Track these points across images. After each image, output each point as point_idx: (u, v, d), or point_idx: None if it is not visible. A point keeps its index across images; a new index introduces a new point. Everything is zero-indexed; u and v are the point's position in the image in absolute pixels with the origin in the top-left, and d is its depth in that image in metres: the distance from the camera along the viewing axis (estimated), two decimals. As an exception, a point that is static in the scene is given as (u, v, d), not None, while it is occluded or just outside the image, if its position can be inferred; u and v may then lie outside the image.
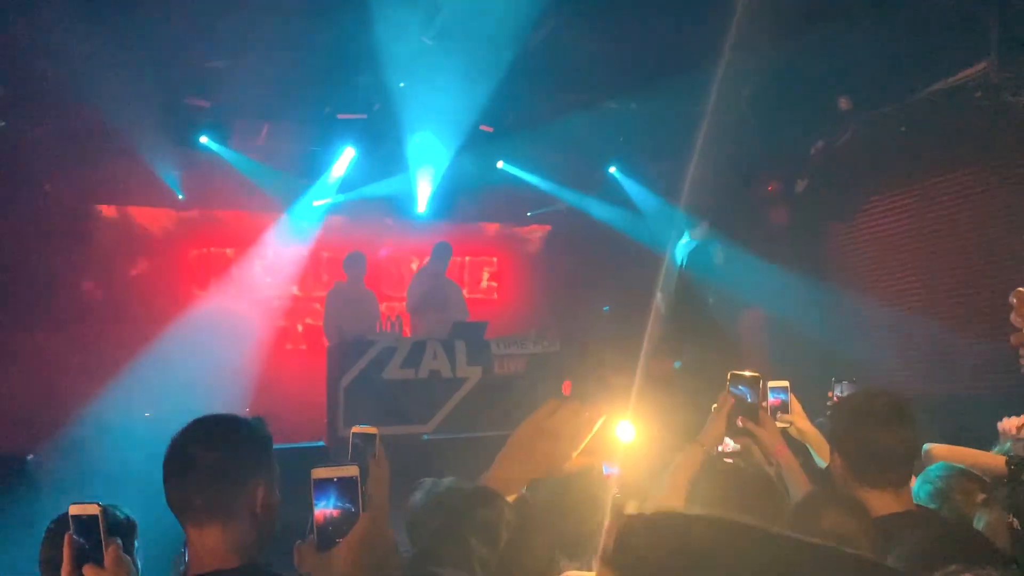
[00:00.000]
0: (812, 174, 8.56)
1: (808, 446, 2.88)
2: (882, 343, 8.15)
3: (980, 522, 2.43)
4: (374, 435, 1.97)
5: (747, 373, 2.65)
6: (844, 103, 7.34)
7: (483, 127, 7.84)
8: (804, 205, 8.83)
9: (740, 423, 2.60)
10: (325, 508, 1.55)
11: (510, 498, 1.43)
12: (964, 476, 2.65)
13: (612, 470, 2.35)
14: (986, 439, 3.22)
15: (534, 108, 7.96)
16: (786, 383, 2.95)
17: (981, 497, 2.53)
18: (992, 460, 2.93)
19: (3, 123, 7.21)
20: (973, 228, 7.44)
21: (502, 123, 8.09)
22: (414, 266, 10.66)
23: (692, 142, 9.03)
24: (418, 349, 7.54)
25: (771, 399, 2.92)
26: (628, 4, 5.99)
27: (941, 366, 7.71)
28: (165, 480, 1.83)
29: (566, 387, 8.77)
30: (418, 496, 2.54)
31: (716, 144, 8.99)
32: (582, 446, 1.49)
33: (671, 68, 7.24)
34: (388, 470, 1.85)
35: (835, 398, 3.41)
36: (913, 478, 2.55)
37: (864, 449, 2.30)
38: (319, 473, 1.57)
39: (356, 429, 1.98)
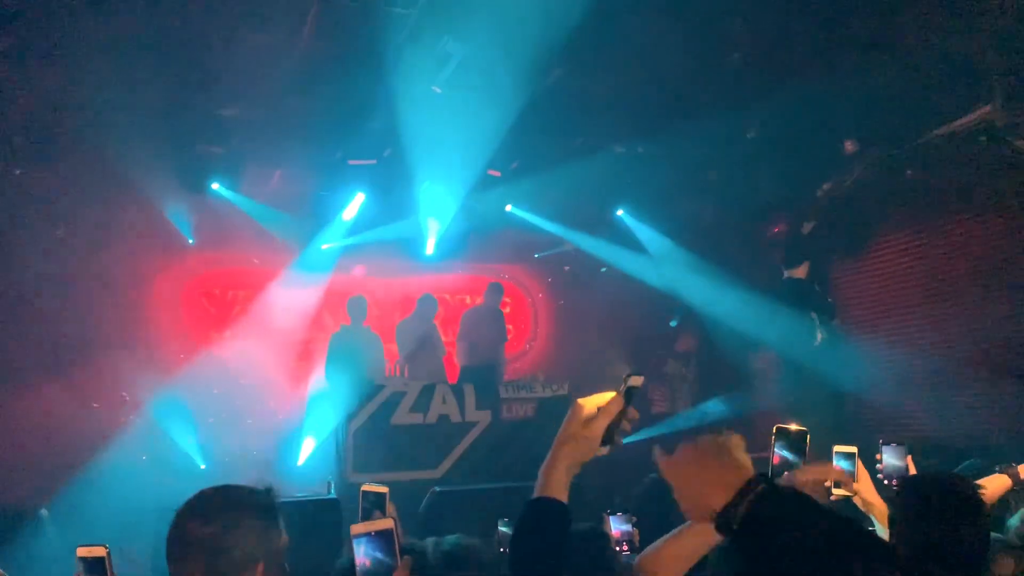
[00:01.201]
0: (819, 215, 8.58)
1: (873, 518, 2.68)
2: (889, 383, 8.10)
3: None
4: (384, 494, 2.02)
5: (793, 427, 2.35)
6: (850, 146, 7.38)
7: (491, 171, 7.92)
8: (811, 246, 8.83)
9: (788, 479, 2.28)
10: (364, 558, 1.71)
11: None
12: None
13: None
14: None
15: (542, 153, 8.03)
16: (854, 449, 2.73)
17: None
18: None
19: (20, 170, 7.32)
20: (977, 271, 7.43)
21: (510, 167, 8.16)
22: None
23: (699, 185, 9.13)
24: (427, 393, 7.52)
25: (835, 465, 2.69)
26: (633, 49, 6.07)
27: (946, 406, 7.64)
28: (167, 557, 1.82)
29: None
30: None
31: (723, 186, 9.09)
32: None
33: (677, 112, 7.32)
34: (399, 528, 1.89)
35: (881, 462, 3.01)
36: None
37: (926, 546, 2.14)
38: (357, 529, 1.74)
39: (366, 487, 2.01)
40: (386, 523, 1.73)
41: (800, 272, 8.14)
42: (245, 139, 7.75)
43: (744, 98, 7.09)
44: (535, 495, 1.64)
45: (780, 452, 2.28)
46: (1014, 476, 2.94)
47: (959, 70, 6.34)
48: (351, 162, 7.98)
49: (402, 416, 7.38)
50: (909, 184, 7.62)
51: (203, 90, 6.76)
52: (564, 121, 7.47)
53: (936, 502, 2.17)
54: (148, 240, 8.84)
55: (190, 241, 8.99)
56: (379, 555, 1.70)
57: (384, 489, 2.08)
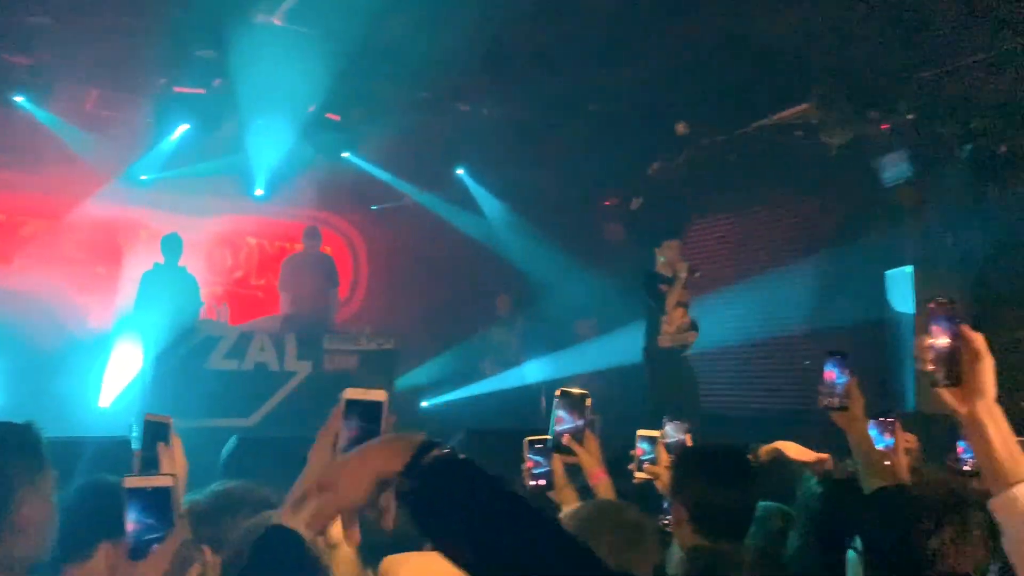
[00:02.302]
0: (648, 193, 8.94)
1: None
2: (703, 360, 8.65)
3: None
4: (167, 424, 1.85)
5: (575, 391, 2.55)
6: (681, 128, 7.71)
7: (329, 115, 7.65)
8: (639, 222, 9.21)
9: (565, 441, 2.50)
10: (137, 519, 1.49)
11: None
12: None
13: None
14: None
15: (385, 102, 7.84)
16: (657, 433, 2.88)
17: None
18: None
19: None
20: (786, 254, 8.06)
21: (350, 113, 7.90)
22: (252, 241, 10.39)
23: (540, 152, 9.26)
24: (244, 339, 7.24)
25: (638, 447, 2.84)
26: (482, 10, 6.01)
27: (752, 381, 8.28)
28: None
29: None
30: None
31: (563, 156, 9.27)
32: None
33: (522, 78, 7.35)
34: (185, 464, 1.76)
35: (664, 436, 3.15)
36: None
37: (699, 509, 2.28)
38: (132, 483, 1.51)
39: (150, 416, 1.85)
40: (165, 480, 1.54)
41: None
42: (57, 53, 7.03)
43: (587, 71, 7.23)
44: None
45: (560, 412, 2.47)
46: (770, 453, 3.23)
47: (785, 67, 6.76)
48: (176, 89, 7.44)
49: (216, 361, 7.07)
50: (731, 169, 8.08)
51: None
52: (410, 73, 7.31)
53: (707, 470, 2.34)
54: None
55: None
56: (150, 519, 1.49)
57: (167, 419, 1.89)
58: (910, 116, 6.68)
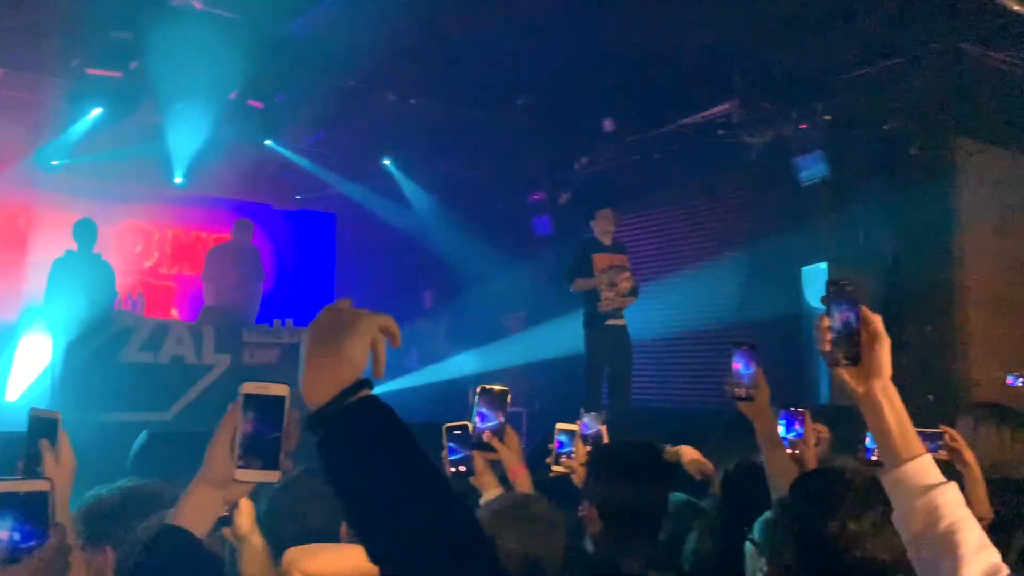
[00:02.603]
0: (575, 188, 9.01)
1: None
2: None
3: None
4: (56, 419, 1.74)
5: (495, 388, 2.56)
6: (608, 124, 7.79)
7: (252, 102, 7.44)
8: (566, 217, 9.27)
9: (486, 438, 2.51)
10: (10, 527, 1.35)
11: None
12: None
13: None
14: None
15: (309, 90, 7.68)
16: (575, 427, 2.90)
17: None
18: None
19: None
20: (708, 249, 8.25)
21: (273, 101, 7.71)
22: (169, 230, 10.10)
23: (468, 145, 9.23)
24: (161, 331, 7.02)
25: (556, 440, 2.86)
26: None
27: (675, 376, 8.43)
28: None
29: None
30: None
31: (491, 149, 9.26)
32: None
33: (452, 70, 7.31)
34: (73, 462, 1.67)
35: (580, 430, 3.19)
36: None
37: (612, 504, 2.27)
38: (3, 487, 1.37)
39: (35, 411, 1.75)
40: (40, 484, 1.39)
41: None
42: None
43: (516, 65, 7.23)
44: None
45: (481, 409, 2.50)
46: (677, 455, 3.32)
47: (709, 66, 6.90)
48: (90, 71, 7.14)
49: (131, 354, 6.83)
50: (655, 166, 8.21)
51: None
52: (336, 61, 7.17)
53: (616, 468, 2.36)
54: None
55: None
56: (24, 526, 1.35)
57: (56, 414, 1.78)
58: (827, 117, 6.89)
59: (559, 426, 2.88)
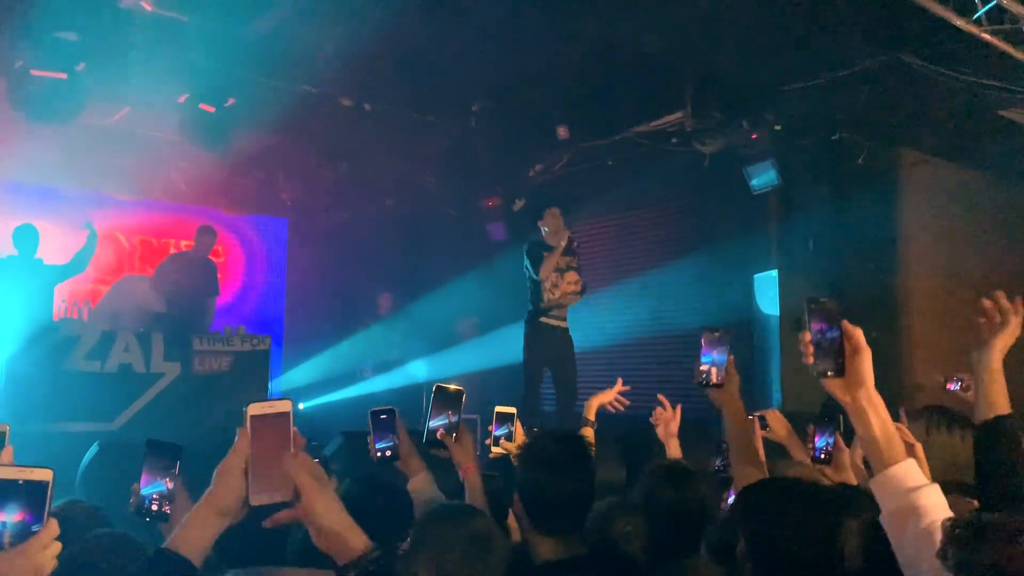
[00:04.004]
0: (529, 195, 9.04)
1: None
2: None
3: None
4: (3, 433, 1.71)
5: (451, 387, 2.61)
6: (562, 132, 7.84)
7: (203, 106, 7.32)
8: (520, 224, 9.30)
9: (439, 436, 2.54)
10: (9, 513, 1.36)
11: None
12: None
13: None
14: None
15: (261, 95, 7.58)
16: (513, 410, 2.96)
17: None
18: None
19: None
20: (658, 255, 8.36)
21: (225, 105, 7.59)
22: (124, 241, 9.87)
23: (422, 150, 9.20)
24: (107, 339, 6.86)
25: (493, 424, 2.93)
26: (365, 6, 5.92)
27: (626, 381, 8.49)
28: None
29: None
30: None
31: (445, 155, 9.24)
32: None
33: (406, 72, 7.28)
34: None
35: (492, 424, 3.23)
36: None
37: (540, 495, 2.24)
38: (4, 473, 1.38)
39: None
40: (44, 474, 1.39)
41: None
42: None
43: (471, 71, 7.23)
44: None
45: (435, 407, 2.55)
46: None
47: (662, 75, 6.99)
48: (34, 72, 6.95)
49: (76, 362, 6.67)
50: (609, 173, 8.28)
51: None
52: (290, 65, 7.10)
53: (541, 459, 2.31)
54: None
55: None
56: (21, 514, 1.35)
57: (3, 427, 1.74)
58: (777, 127, 7.03)
59: (498, 409, 2.93)
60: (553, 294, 6.79)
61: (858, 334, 1.55)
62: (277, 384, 9.17)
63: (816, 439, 2.81)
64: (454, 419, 2.56)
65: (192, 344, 7.22)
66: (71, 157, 8.43)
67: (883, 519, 1.49)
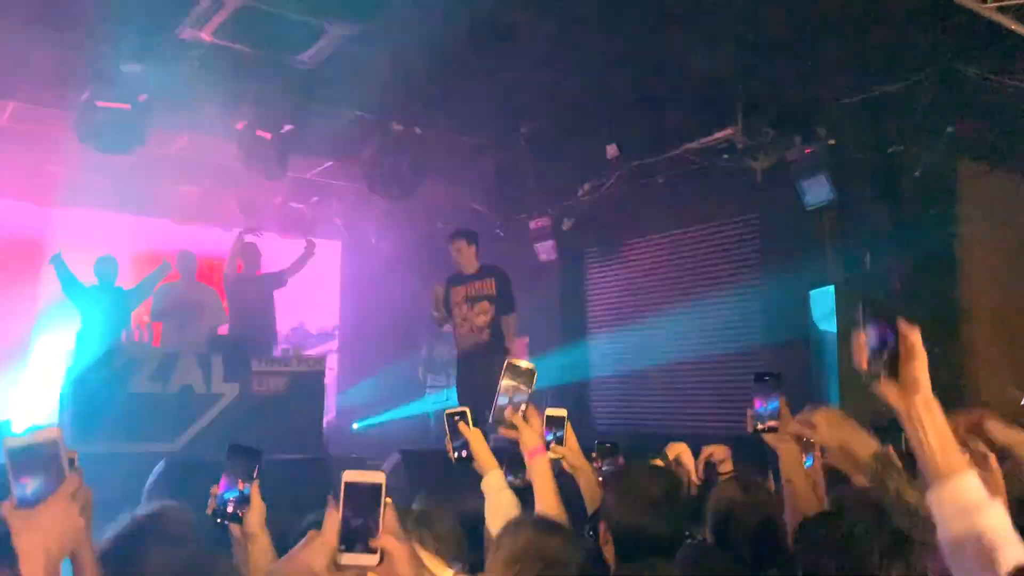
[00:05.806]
0: (579, 214, 9.05)
1: (578, 481, 2.83)
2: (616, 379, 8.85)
3: None
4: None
5: (523, 364, 2.57)
6: (611, 150, 7.84)
7: (260, 132, 7.51)
8: (570, 243, 9.31)
9: (507, 415, 2.51)
10: (26, 476, 1.50)
11: None
12: None
13: None
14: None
15: (316, 121, 7.75)
16: (563, 412, 2.90)
17: None
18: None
19: None
20: (710, 275, 8.27)
21: (281, 132, 7.78)
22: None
23: (471, 173, 9.30)
24: (170, 361, 7.04)
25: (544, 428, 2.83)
26: (417, 27, 6.02)
27: (672, 403, 8.43)
28: None
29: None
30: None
31: (495, 177, 9.32)
32: None
33: (455, 98, 7.38)
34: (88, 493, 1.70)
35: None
36: None
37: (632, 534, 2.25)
38: (11, 442, 1.51)
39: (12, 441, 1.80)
40: (51, 432, 1.54)
41: None
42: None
43: (519, 93, 7.30)
44: None
45: (506, 383, 2.52)
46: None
47: (711, 92, 6.96)
48: (100, 104, 7.22)
49: (140, 384, 6.86)
50: (660, 191, 8.25)
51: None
52: (342, 92, 7.25)
53: (634, 492, 2.34)
54: None
55: None
56: (38, 476, 1.49)
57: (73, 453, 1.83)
58: (831, 142, 6.93)
59: (548, 412, 2.87)
60: (462, 330, 6.82)
61: (914, 335, 1.45)
62: (335, 402, 9.30)
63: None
64: (524, 398, 2.53)
65: (251, 365, 7.37)
66: (133, 184, 8.72)
67: (939, 535, 1.39)
